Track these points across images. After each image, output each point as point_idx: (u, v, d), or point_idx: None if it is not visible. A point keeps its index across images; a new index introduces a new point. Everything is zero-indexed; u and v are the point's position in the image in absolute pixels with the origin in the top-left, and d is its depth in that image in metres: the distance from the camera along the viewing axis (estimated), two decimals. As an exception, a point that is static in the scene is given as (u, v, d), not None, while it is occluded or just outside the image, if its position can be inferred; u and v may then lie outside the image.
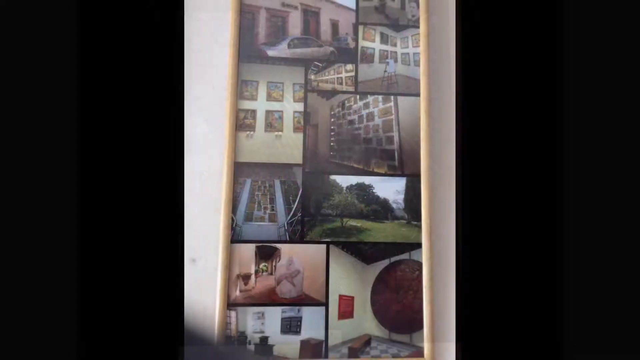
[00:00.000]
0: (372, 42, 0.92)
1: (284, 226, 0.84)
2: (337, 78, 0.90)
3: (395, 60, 0.92)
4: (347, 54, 0.91)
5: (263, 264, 0.83)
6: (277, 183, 0.86)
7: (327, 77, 0.90)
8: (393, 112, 0.90)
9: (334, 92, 0.89)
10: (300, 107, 0.88)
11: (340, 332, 0.83)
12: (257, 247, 0.83)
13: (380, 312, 0.85)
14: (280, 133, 0.87)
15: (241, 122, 0.86)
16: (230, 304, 0.81)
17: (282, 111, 0.88)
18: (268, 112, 0.87)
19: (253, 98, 0.87)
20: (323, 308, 0.83)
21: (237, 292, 0.81)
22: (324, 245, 0.85)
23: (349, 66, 0.91)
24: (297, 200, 0.85)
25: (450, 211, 0.89)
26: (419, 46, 0.91)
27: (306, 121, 0.88)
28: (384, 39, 0.92)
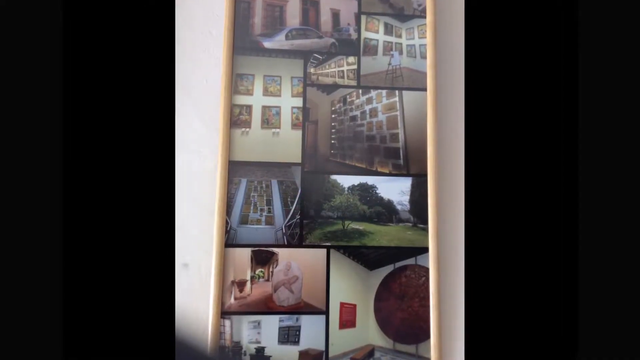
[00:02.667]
0: (375, 33, 0.92)
1: (282, 229, 0.85)
2: (338, 71, 0.90)
3: (400, 53, 0.92)
4: (349, 46, 0.91)
5: (259, 269, 0.83)
6: (275, 183, 0.86)
7: (328, 71, 0.90)
8: (398, 107, 0.90)
9: (334, 87, 0.90)
10: (299, 102, 0.88)
11: (342, 342, 0.83)
12: (252, 251, 0.83)
13: (384, 321, 0.85)
14: (277, 130, 0.87)
15: (236, 119, 0.86)
16: (224, 312, 0.81)
17: (279, 107, 0.88)
18: (265, 108, 0.87)
19: (249, 93, 0.87)
20: (323, 317, 0.83)
21: (232, 300, 0.82)
22: (324, 250, 0.85)
23: (351, 59, 0.91)
24: (295, 202, 0.85)
25: (459, 213, 0.89)
26: (425, 37, 0.91)
27: (305, 117, 0.88)
28: (388, 29, 0.92)
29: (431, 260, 0.85)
